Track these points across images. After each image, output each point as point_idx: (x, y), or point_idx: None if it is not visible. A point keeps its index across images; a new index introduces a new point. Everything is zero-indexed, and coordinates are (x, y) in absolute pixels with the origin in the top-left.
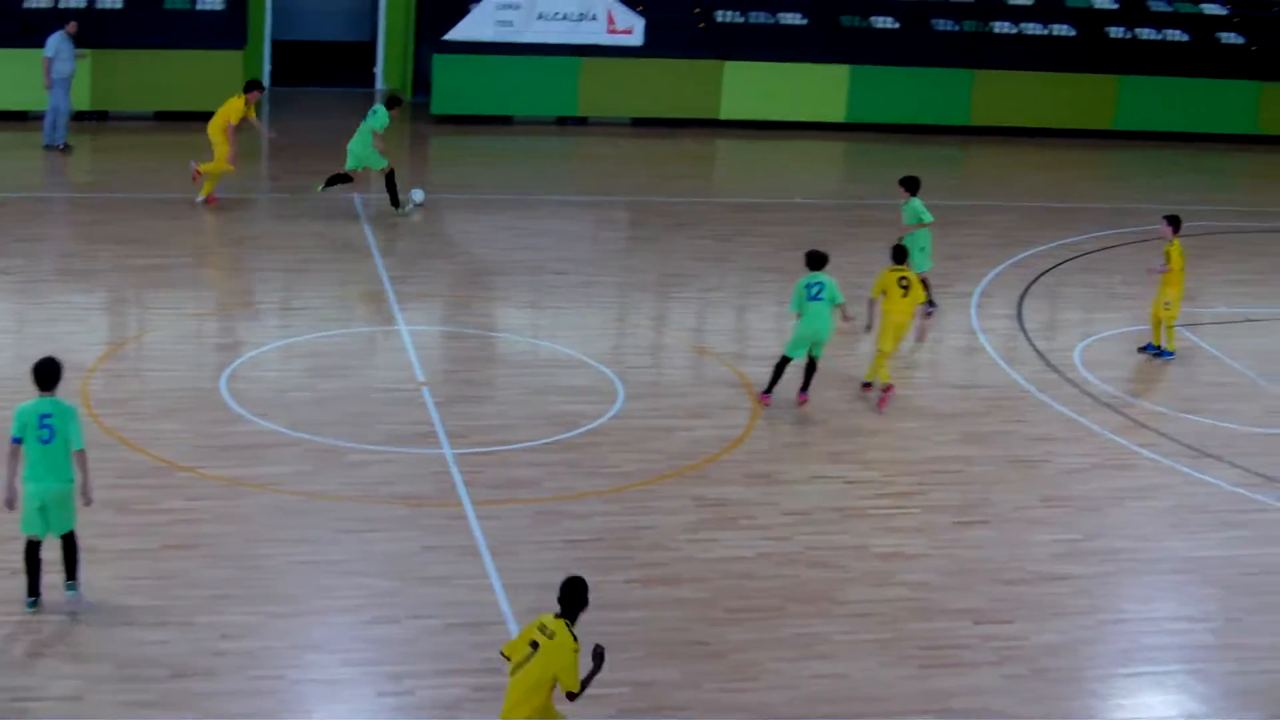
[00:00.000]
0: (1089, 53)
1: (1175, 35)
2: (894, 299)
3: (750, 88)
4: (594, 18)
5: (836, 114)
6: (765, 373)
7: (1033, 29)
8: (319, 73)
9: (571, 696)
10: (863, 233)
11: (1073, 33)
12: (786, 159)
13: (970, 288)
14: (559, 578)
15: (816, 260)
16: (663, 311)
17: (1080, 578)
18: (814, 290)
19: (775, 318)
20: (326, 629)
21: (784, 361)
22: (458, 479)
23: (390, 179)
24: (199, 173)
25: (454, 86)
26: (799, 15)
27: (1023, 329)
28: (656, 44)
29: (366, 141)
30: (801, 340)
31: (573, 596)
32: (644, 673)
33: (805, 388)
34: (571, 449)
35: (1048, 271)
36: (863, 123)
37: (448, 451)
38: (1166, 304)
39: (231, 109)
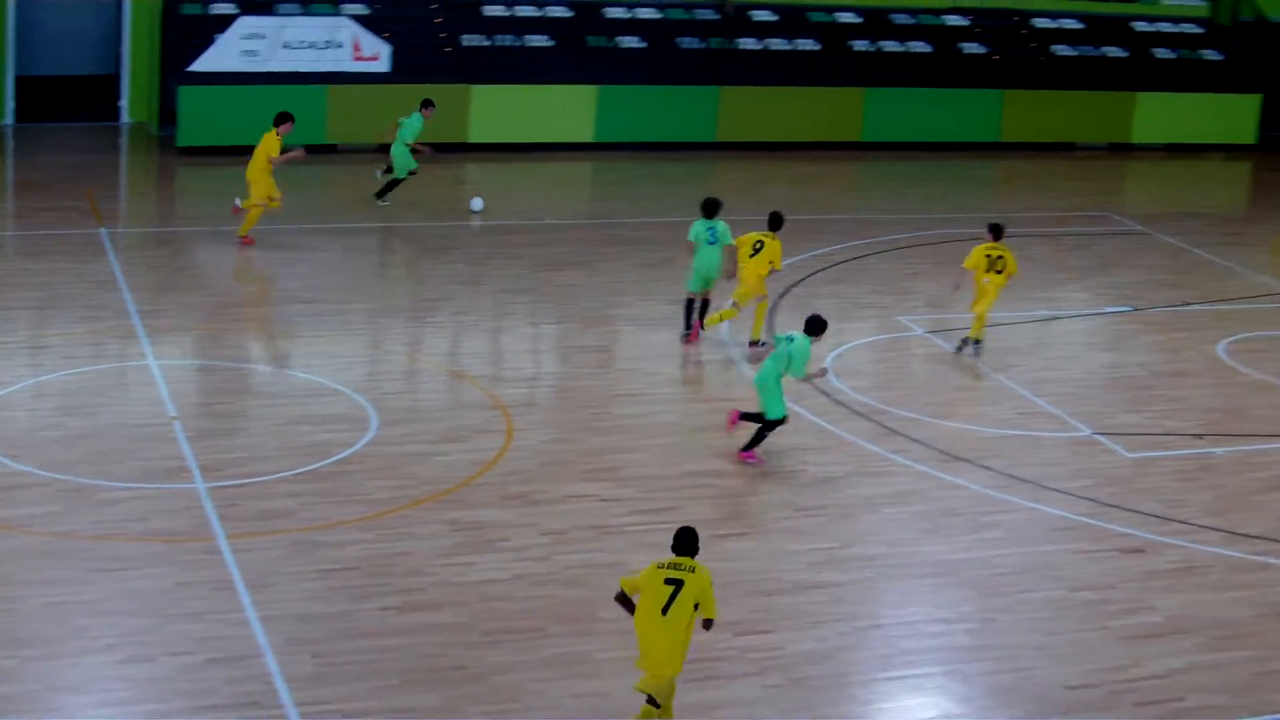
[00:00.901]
0: (834, 66)
1: (919, 47)
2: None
3: (499, 110)
4: (340, 45)
5: (585, 134)
6: (521, 393)
7: (778, 44)
8: (63, 107)
9: (709, 625)
10: (613, 251)
11: (818, 47)
12: (537, 180)
13: (720, 302)
14: (316, 609)
15: (712, 207)
16: (416, 336)
17: (837, 585)
18: (710, 234)
19: (529, 338)
20: (82, 670)
21: (690, 299)
22: (211, 513)
23: (396, 182)
24: (238, 209)
25: (200, 118)
26: (546, 37)
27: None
28: (403, 70)
29: (402, 145)
30: (697, 275)
31: (690, 541)
32: (403, 699)
33: (689, 325)
34: (326, 478)
35: (799, 283)
36: (612, 142)
37: (201, 486)
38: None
39: (269, 146)
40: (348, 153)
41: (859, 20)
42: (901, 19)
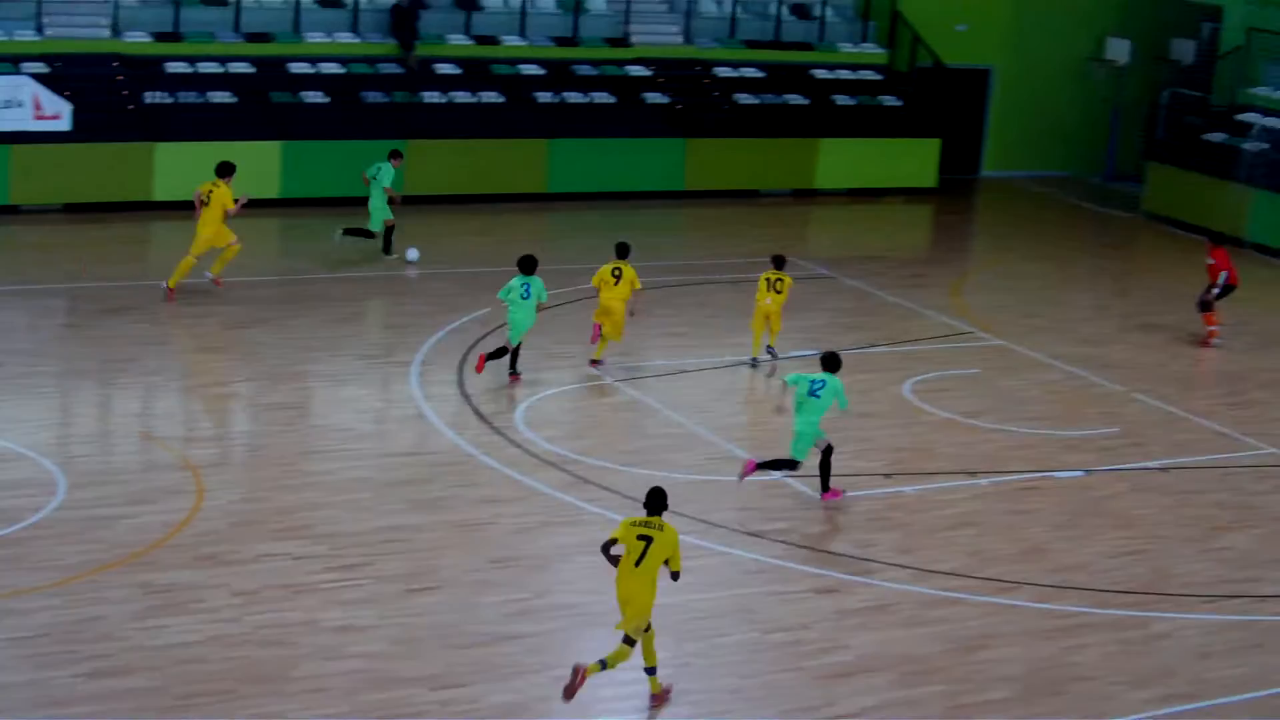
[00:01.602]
0: (519, 118)
1: (602, 98)
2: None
3: (183, 168)
4: (20, 104)
5: (271, 190)
6: (210, 453)
7: (462, 97)
8: None
9: (676, 576)
10: (301, 308)
11: (501, 99)
12: None
13: (410, 356)
14: (3, 678)
15: (528, 264)
16: (104, 398)
17: (532, 635)
18: (524, 290)
19: (218, 397)
20: None
21: (515, 349)
22: None
23: (389, 232)
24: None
25: None
26: (229, 93)
27: (464, 394)
28: (85, 128)
29: (380, 198)
30: (515, 329)
31: (659, 501)
32: None
33: (513, 367)
34: (13, 544)
35: (487, 335)
36: (298, 198)
37: None
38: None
39: (223, 198)
40: (31, 213)
41: (542, 72)
42: (585, 70)
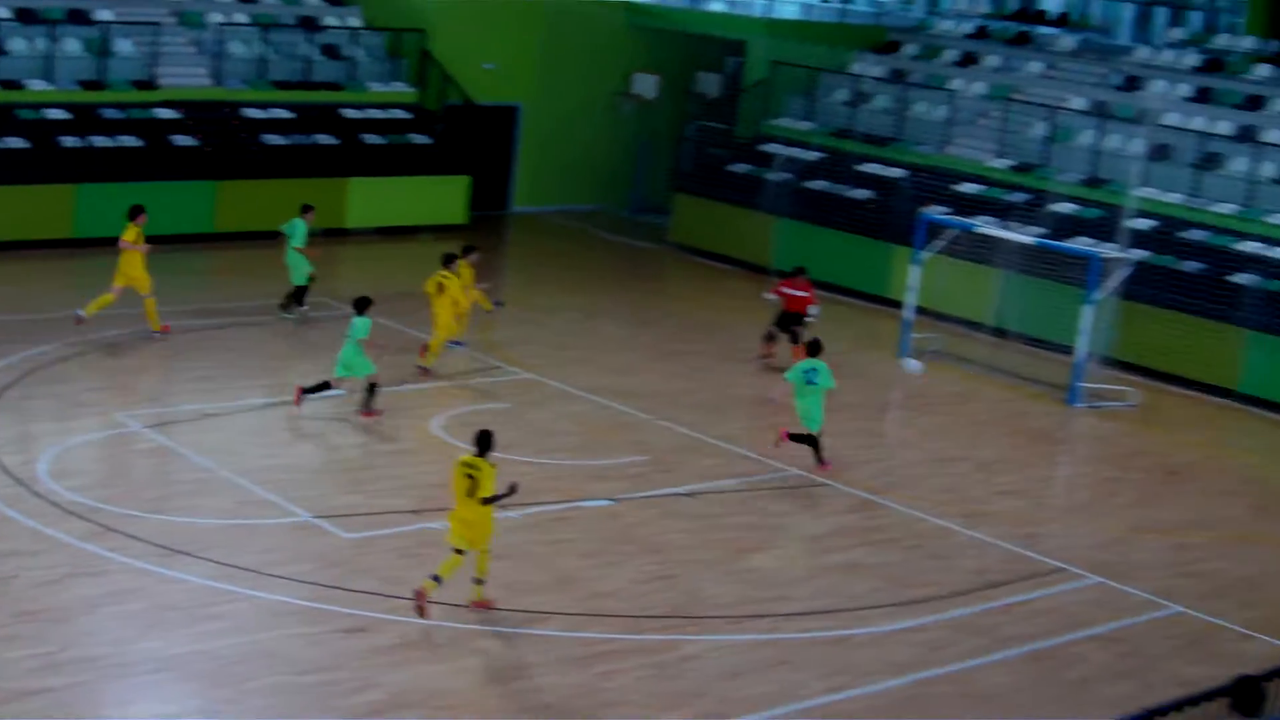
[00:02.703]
0: (44, 163)
1: (130, 141)
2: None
3: None
4: None
5: None
6: None
7: None
8: None
9: (484, 501)
10: None
11: (27, 145)
12: None
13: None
14: None
15: (362, 304)
16: None
17: (58, 690)
18: (352, 330)
19: None
20: None
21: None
22: None
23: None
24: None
25: None
26: None
27: None
28: None
29: (296, 255)
30: (339, 364)
31: (486, 441)
32: None
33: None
34: None
35: (13, 385)
36: None
37: None
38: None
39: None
40: None
41: (69, 116)
42: (111, 113)
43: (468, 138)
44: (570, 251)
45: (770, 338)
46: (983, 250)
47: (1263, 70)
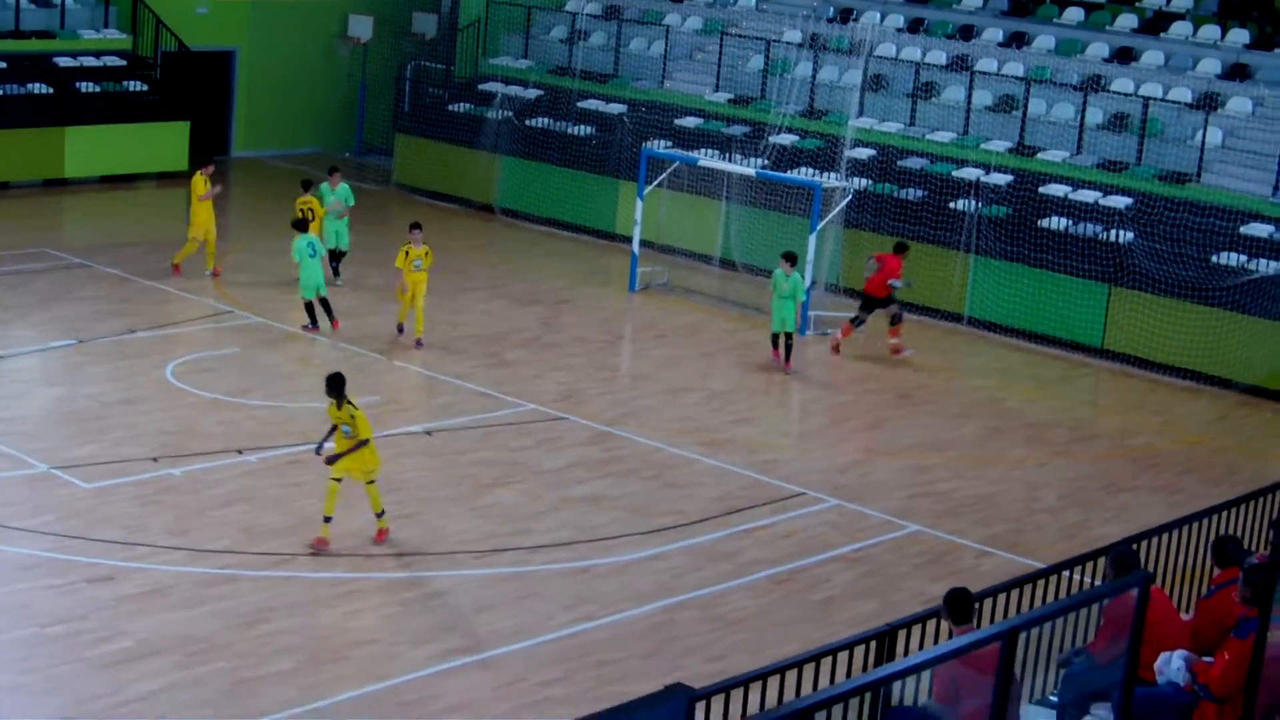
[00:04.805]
0: None
1: None
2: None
3: None
4: None
5: None
6: None
7: None
8: None
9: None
10: None
11: None
12: None
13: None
14: None
15: (303, 225)
16: None
17: None
18: (313, 249)
19: None
20: None
21: (310, 302)
22: None
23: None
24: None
25: None
26: None
27: None
28: None
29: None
30: (306, 286)
31: (338, 384)
32: None
33: (314, 322)
34: None
35: None
36: None
37: None
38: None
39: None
40: None
41: None
42: None
43: (185, 83)
44: (295, 195)
45: (895, 319)
46: (706, 183)
47: (973, 1)
